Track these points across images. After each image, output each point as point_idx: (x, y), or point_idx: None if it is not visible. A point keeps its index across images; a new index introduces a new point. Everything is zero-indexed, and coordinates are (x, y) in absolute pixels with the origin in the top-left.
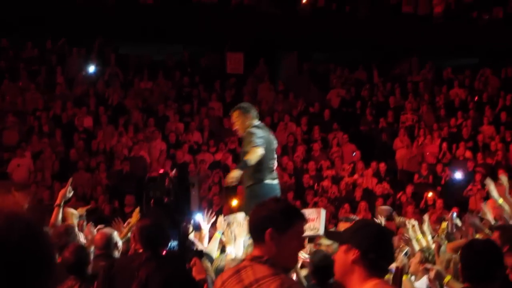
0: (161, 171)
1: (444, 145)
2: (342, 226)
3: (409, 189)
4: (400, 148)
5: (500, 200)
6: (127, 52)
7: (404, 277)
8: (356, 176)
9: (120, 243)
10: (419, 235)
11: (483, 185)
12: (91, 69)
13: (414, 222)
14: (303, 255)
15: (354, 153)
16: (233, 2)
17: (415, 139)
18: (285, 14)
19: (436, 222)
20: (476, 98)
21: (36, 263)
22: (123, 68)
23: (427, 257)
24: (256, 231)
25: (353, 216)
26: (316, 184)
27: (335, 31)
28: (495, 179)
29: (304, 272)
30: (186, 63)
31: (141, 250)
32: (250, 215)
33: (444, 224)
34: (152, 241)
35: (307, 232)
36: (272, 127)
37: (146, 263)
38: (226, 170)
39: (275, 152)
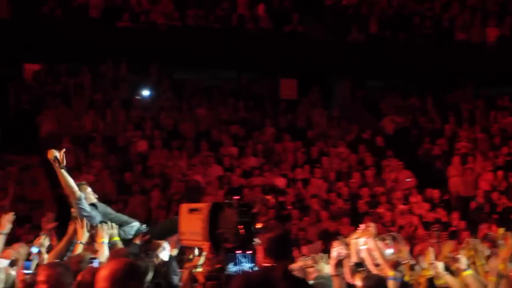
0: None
1: (500, 173)
2: None
3: (465, 216)
4: (455, 176)
5: None
6: (182, 78)
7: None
8: (410, 203)
9: None
10: None
11: None
12: (147, 93)
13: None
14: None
15: (409, 180)
16: (286, 29)
17: (470, 166)
18: (338, 41)
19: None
20: None
21: None
22: (178, 93)
23: None
24: None
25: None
26: (370, 210)
27: (388, 58)
28: None
29: None
30: (240, 88)
31: (267, 264)
32: None
33: None
34: (285, 253)
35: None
36: (325, 153)
37: (285, 277)
38: (280, 194)
39: None
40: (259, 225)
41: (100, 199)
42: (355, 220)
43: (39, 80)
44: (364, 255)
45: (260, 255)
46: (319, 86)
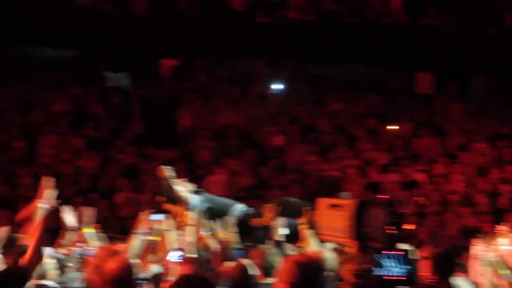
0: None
1: None
2: None
3: None
4: None
5: None
6: (318, 72)
7: None
8: None
9: None
10: None
11: None
12: (283, 88)
13: None
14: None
15: None
16: (422, 23)
17: None
18: (475, 34)
19: None
20: None
21: None
22: (314, 87)
23: None
24: None
25: None
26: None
27: None
28: None
29: None
30: (376, 83)
31: (431, 279)
32: None
33: None
34: (451, 270)
35: None
36: (464, 148)
37: None
38: (418, 190)
39: None
40: (409, 226)
41: (237, 193)
42: (496, 217)
43: (177, 75)
44: (504, 255)
45: (424, 269)
46: (456, 80)
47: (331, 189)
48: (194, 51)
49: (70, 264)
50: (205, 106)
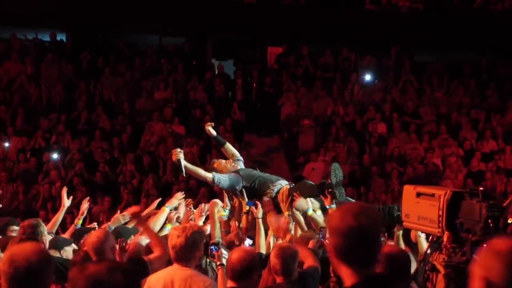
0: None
1: None
2: None
3: None
4: None
5: None
6: (423, 60)
7: None
8: None
9: None
10: None
11: None
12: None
13: None
14: None
15: None
16: None
17: None
18: None
19: None
20: None
21: None
22: (418, 75)
23: None
24: None
25: None
26: None
27: None
28: None
29: None
30: (482, 71)
31: None
32: None
33: None
34: None
35: None
36: None
37: None
38: None
39: None
40: (510, 219)
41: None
42: None
43: (282, 63)
44: None
45: None
46: None
47: (434, 178)
48: (299, 39)
49: None
50: (308, 93)
